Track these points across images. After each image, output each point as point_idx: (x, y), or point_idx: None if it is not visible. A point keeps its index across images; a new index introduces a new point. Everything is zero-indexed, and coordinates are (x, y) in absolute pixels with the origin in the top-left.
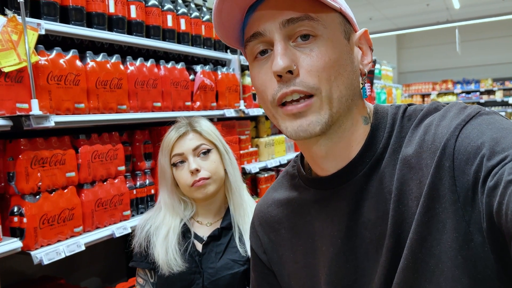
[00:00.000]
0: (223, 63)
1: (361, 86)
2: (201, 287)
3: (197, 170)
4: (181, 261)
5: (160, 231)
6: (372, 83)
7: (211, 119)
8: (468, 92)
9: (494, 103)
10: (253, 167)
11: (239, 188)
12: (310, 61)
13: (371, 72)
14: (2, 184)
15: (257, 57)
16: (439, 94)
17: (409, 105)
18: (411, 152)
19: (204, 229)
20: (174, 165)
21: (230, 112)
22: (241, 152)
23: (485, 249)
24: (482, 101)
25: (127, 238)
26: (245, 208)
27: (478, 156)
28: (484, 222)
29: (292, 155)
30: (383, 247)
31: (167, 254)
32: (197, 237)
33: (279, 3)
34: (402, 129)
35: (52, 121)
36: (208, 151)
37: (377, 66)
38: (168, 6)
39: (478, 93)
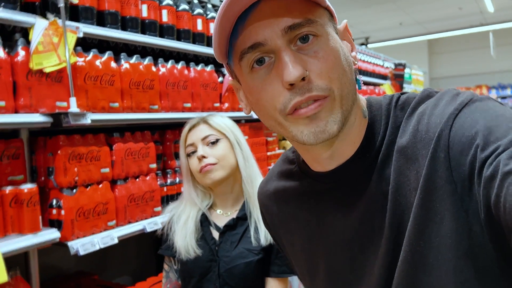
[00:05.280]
0: None
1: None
2: (217, 274)
3: (203, 157)
4: (197, 248)
5: (180, 219)
6: (401, 87)
7: (238, 120)
8: (503, 98)
9: None
10: None
11: (253, 179)
12: (319, 63)
13: (400, 76)
14: (43, 178)
15: (253, 67)
16: None
17: (402, 93)
18: (406, 143)
19: (222, 219)
20: (188, 155)
21: None
22: (268, 153)
23: (485, 238)
24: None
25: (158, 238)
26: None
27: (472, 146)
28: (482, 213)
29: None
30: (382, 239)
31: (185, 240)
32: (215, 226)
33: (275, 10)
34: (396, 119)
35: (88, 119)
36: (217, 140)
37: (407, 70)
38: (198, 10)
39: None
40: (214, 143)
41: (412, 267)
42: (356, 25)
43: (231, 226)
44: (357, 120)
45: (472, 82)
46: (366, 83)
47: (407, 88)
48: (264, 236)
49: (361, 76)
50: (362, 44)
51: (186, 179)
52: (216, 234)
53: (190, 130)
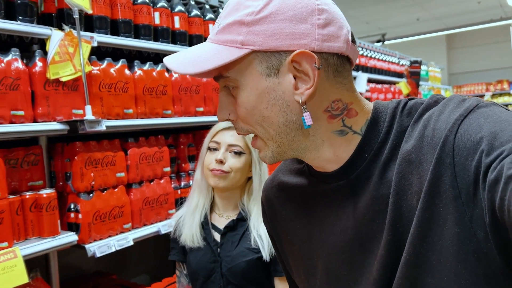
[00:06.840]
0: None
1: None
2: (220, 274)
3: (221, 162)
4: (201, 240)
5: (189, 209)
6: (418, 85)
7: None
8: None
9: None
10: None
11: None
12: (237, 110)
13: (416, 74)
14: (61, 183)
15: None
16: (493, 95)
17: (410, 99)
18: (411, 147)
19: (222, 221)
20: (209, 148)
21: None
22: None
23: (488, 244)
24: None
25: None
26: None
27: (477, 151)
28: (487, 217)
29: None
30: (381, 241)
31: (191, 228)
32: (216, 228)
33: None
34: (402, 123)
35: (103, 125)
36: (240, 153)
37: (423, 67)
38: (209, 15)
39: None
40: (237, 153)
41: (416, 268)
42: (372, 21)
43: (231, 227)
44: (326, 141)
45: (492, 77)
46: (381, 82)
47: (424, 85)
48: (269, 251)
49: (307, 114)
50: (379, 41)
51: (200, 166)
52: (217, 236)
53: (223, 129)
